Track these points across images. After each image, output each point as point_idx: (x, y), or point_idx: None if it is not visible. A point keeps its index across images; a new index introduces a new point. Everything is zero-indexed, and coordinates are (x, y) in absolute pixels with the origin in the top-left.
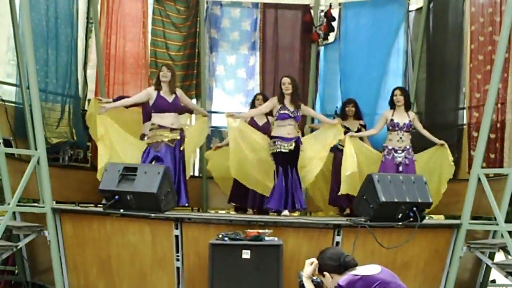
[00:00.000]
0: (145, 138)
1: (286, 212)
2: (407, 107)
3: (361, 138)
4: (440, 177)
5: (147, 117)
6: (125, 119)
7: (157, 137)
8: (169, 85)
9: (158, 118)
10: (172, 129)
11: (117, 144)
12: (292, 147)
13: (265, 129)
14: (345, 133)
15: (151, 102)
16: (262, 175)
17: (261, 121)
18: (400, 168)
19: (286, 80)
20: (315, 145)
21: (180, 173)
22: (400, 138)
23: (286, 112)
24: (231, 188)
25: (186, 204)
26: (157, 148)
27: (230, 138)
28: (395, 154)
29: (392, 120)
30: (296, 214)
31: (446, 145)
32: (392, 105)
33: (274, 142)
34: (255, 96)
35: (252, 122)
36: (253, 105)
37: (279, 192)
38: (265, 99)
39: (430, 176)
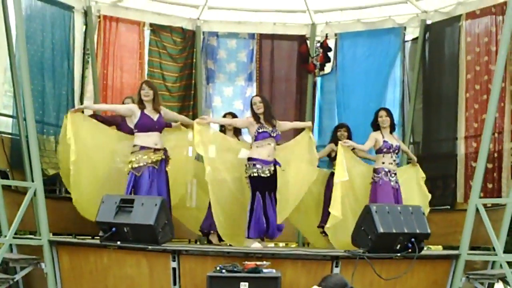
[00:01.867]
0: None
1: (260, 244)
2: (392, 129)
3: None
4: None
5: None
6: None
7: (141, 161)
8: (152, 103)
9: (141, 139)
10: (156, 150)
11: (90, 141)
12: (272, 170)
13: None
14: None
15: (134, 121)
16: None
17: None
18: (396, 192)
19: (256, 99)
20: (298, 162)
21: (164, 195)
22: (394, 160)
23: (266, 130)
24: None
25: None
26: (139, 172)
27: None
28: (391, 178)
29: (385, 141)
30: (294, 245)
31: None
32: (377, 127)
33: (254, 164)
34: (224, 116)
35: None
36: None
37: (258, 220)
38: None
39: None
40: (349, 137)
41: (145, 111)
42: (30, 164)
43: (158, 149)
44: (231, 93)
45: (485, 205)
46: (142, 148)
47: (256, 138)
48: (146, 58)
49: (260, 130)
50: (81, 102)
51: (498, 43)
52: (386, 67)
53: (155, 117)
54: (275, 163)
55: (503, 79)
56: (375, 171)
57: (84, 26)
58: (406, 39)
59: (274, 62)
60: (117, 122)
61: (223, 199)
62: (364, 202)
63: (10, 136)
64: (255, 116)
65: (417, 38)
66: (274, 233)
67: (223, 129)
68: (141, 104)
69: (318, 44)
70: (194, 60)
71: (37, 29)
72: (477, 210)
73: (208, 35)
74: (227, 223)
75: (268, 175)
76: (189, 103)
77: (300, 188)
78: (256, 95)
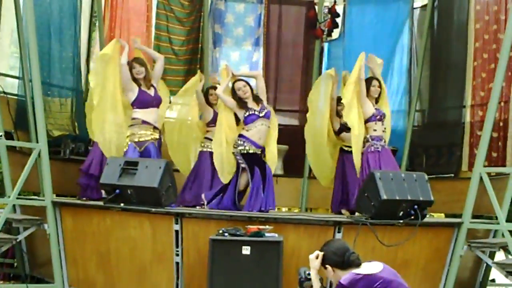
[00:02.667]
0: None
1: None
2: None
3: None
4: None
5: None
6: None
7: (142, 136)
8: (144, 80)
9: (141, 114)
10: (154, 128)
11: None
12: (258, 152)
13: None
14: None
15: (131, 97)
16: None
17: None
18: (380, 156)
19: (240, 84)
20: None
21: None
22: (385, 128)
23: (253, 113)
24: None
25: None
26: (141, 147)
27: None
28: (376, 143)
29: (377, 109)
30: (297, 210)
31: None
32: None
33: (243, 142)
34: (207, 91)
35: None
36: (206, 99)
37: (257, 192)
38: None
39: None
40: None
41: (142, 88)
42: (35, 125)
43: (156, 128)
44: (237, 57)
45: (489, 174)
46: (144, 122)
47: (245, 122)
48: (154, 21)
49: (246, 114)
50: (87, 64)
51: (507, 12)
52: (394, 34)
53: (152, 92)
54: (263, 149)
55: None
56: (368, 139)
57: None
58: (414, 6)
59: (282, 27)
60: None
61: None
62: None
63: (15, 97)
64: (240, 102)
65: (426, 5)
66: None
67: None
68: (135, 81)
69: (326, 10)
70: (202, 23)
71: None
72: (481, 178)
73: None
74: None
75: (253, 151)
76: (196, 67)
77: None
78: (237, 80)
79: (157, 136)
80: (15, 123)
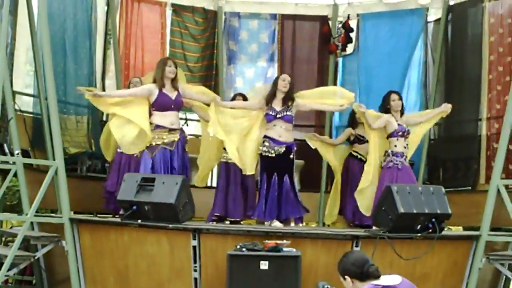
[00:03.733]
0: None
1: (276, 223)
2: (402, 113)
3: None
4: None
5: None
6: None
7: (154, 140)
8: (172, 82)
9: (157, 117)
10: (171, 130)
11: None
12: (282, 150)
13: None
14: (356, 141)
15: (152, 100)
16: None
17: None
18: (400, 173)
19: (286, 77)
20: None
21: None
22: (407, 144)
23: (270, 113)
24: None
25: None
26: (152, 153)
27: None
28: (397, 159)
29: (400, 125)
30: (314, 225)
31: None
32: (386, 110)
33: (263, 141)
34: (234, 97)
35: None
36: None
37: (263, 202)
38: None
39: None
40: None
41: (163, 90)
42: (52, 143)
43: (174, 129)
44: (252, 74)
45: (506, 186)
46: (157, 127)
47: (266, 121)
48: (168, 38)
49: (265, 113)
50: (103, 82)
51: None
52: (409, 48)
53: (173, 95)
54: (290, 145)
55: None
56: (389, 153)
57: (106, 7)
58: (428, 20)
59: (296, 43)
60: None
61: None
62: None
63: (32, 115)
64: (271, 95)
65: (439, 19)
66: (285, 215)
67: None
68: (162, 81)
69: (340, 25)
70: (216, 40)
71: (59, 9)
72: (499, 191)
73: (229, 15)
74: None
75: (274, 155)
76: (211, 83)
77: None
78: (287, 73)
79: (173, 138)
80: (31, 141)
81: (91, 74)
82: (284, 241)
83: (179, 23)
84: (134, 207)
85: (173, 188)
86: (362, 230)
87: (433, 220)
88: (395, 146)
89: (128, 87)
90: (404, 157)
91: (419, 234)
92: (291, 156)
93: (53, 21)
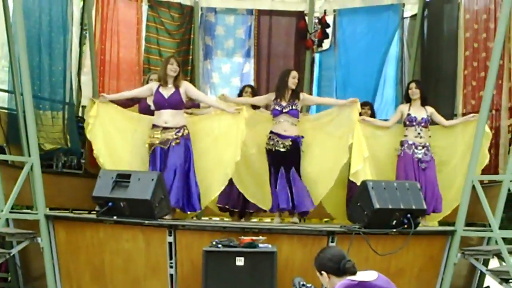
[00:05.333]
0: None
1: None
2: (424, 102)
3: None
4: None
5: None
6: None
7: (150, 139)
8: (174, 80)
9: (155, 116)
10: (164, 128)
11: (110, 126)
12: (288, 145)
13: None
14: None
15: (152, 100)
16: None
17: None
18: (422, 166)
19: (296, 74)
20: (329, 147)
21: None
22: (418, 134)
23: (277, 108)
24: None
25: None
26: (150, 150)
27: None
28: (415, 150)
29: (409, 114)
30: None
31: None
32: (408, 99)
33: (270, 137)
34: (243, 88)
35: None
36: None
37: (275, 196)
38: (254, 93)
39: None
40: (373, 116)
41: (160, 89)
42: (27, 139)
43: (168, 128)
44: (228, 69)
45: (481, 182)
46: (153, 126)
47: (272, 115)
48: (144, 33)
49: (272, 108)
50: (79, 77)
51: (496, 20)
52: (385, 44)
53: (167, 94)
54: (296, 139)
55: (501, 56)
56: (400, 143)
57: (82, 1)
58: (404, 15)
59: (272, 38)
60: (134, 102)
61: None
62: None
63: (7, 111)
64: (280, 90)
65: (415, 14)
66: (297, 207)
67: None
68: (164, 78)
69: (317, 20)
70: (192, 36)
71: (34, 3)
72: (474, 186)
73: (206, 11)
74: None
75: (283, 150)
76: (187, 79)
77: (331, 169)
78: (293, 70)
79: (166, 137)
80: (6, 137)
81: (66, 69)
82: (260, 237)
83: (155, 18)
84: (110, 204)
85: (148, 184)
86: (337, 225)
87: (409, 215)
88: (405, 135)
89: (147, 83)
90: (423, 148)
91: (394, 230)
92: (298, 150)
93: (28, 16)
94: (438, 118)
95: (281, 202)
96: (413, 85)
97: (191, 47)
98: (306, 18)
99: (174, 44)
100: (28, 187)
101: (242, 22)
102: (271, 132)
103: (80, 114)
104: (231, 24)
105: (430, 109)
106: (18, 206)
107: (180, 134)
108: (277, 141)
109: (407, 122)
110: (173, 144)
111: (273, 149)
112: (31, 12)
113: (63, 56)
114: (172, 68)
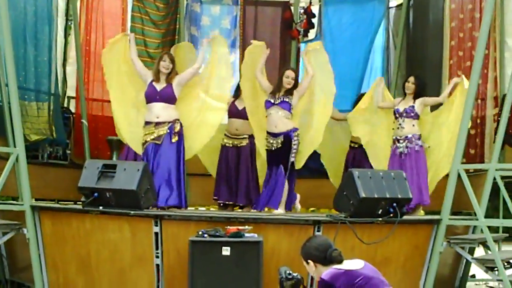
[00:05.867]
0: None
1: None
2: (417, 97)
3: None
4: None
5: None
6: None
7: (145, 136)
8: (168, 77)
9: (147, 112)
10: (157, 124)
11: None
12: (279, 143)
13: (244, 115)
14: None
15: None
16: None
17: (241, 105)
18: (404, 158)
19: (290, 74)
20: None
21: (165, 171)
22: (400, 125)
23: (269, 100)
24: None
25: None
26: (142, 148)
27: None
28: (398, 144)
29: (397, 108)
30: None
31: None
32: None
33: (266, 138)
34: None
35: (232, 106)
36: (237, 93)
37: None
38: None
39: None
40: None
41: (154, 82)
42: (12, 130)
43: (161, 123)
44: None
45: (467, 171)
46: (146, 123)
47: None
48: (129, 24)
49: (266, 99)
50: (64, 68)
51: (482, 10)
52: (371, 33)
53: (160, 87)
54: (287, 133)
55: (487, 46)
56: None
57: None
58: (390, 5)
59: (258, 29)
60: None
61: None
62: None
63: None
64: (276, 87)
65: (401, 4)
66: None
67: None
68: (157, 74)
69: (302, 10)
70: (177, 26)
71: None
72: (459, 175)
73: (191, 1)
74: None
75: (273, 148)
76: None
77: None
78: (289, 69)
79: (160, 132)
80: None
81: (51, 60)
82: (246, 227)
83: (140, 8)
84: (96, 194)
85: (134, 174)
86: (323, 215)
87: (394, 204)
88: (392, 129)
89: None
90: (404, 141)
91: (380, 219)
92: (289, 143)
93: (13, 7)
94: (431, 100)
95: (261, 202)
96: (411, 79)
97: (176, 37)
98: (292, 8)
99: (159, 35)
100: (14, 178)
101: (228, 12)
102: (267, 132)
103: (65, 105)
104: (217, 14)
105: (418, 101)
106: (3, 197)
107: (174, 130)
108: (270, 142)
109: (395, 116)
110: (167, 140)
111: (269, 149)
112: (16, 2)
113: (48, 47)
114: (165, 65)
